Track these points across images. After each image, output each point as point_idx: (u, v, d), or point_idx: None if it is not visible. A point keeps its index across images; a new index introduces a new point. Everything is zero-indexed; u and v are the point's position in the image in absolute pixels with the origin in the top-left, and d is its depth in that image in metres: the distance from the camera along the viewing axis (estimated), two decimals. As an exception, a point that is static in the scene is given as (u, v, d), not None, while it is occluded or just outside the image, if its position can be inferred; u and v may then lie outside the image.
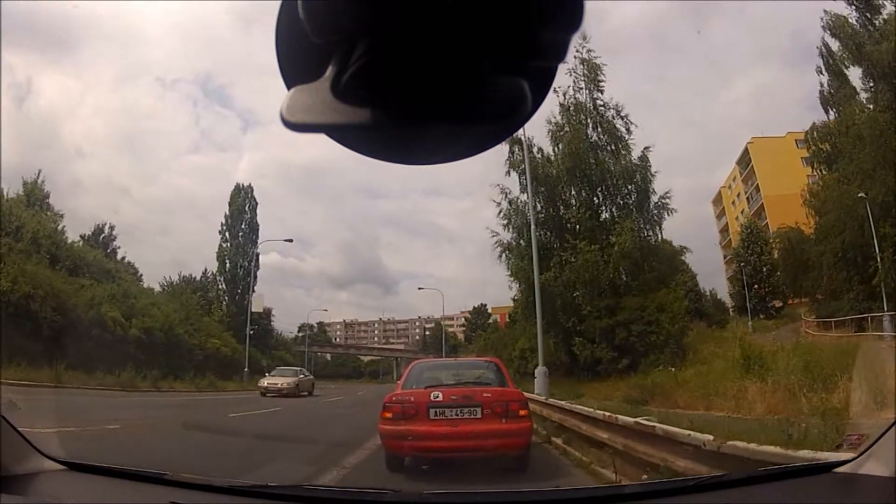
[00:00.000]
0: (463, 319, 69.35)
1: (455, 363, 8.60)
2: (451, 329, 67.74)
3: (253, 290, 39.27)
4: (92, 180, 65.23)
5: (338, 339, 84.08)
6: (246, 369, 30.14)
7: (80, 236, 31.86)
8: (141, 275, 37.04)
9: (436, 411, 5.27)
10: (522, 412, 5.45)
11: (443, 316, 49.45)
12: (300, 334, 63.23)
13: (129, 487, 1.83)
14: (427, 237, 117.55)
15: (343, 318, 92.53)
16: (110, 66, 77.99)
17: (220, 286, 40.89)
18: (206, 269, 41.88)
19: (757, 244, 39.92)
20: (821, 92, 27.58)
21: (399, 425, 5.30)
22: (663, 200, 24.02)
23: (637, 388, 14.51)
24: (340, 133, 0.53)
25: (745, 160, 49.45)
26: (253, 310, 35.51)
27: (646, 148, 24.13)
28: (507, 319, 45.96)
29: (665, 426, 4.50)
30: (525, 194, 22.97)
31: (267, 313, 44.48)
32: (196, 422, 10.25)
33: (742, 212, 50.15)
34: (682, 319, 22.08)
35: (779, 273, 36.47)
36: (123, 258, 36.09)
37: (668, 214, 24.07)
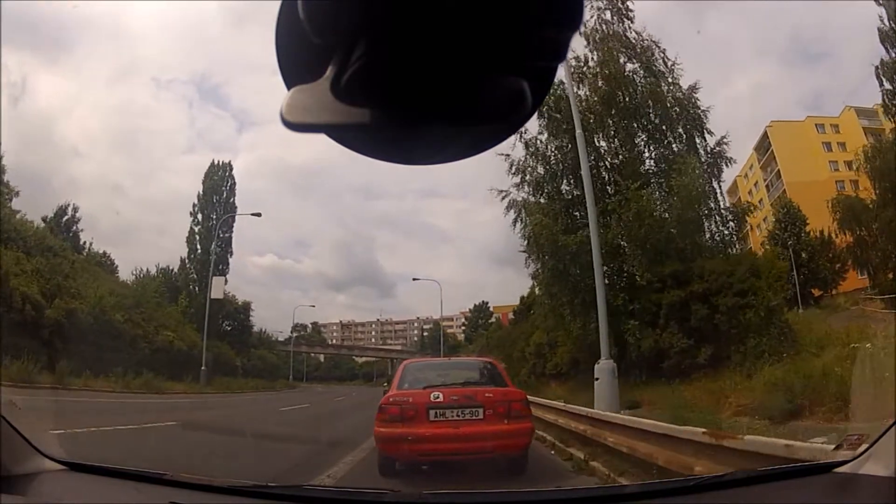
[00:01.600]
0: (463, 319, 67.67)
1: (450, 362, 8.32)
2: (450, 330, 65.98)
3: (222, 277, 34.17)
4: (88, 180, 65.27)
5: (334, 341, 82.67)
6: (203, 368, 25.59)
7: (42, 219, 28.76)
8: (116, 266, 34.61)
9: (436, 412, 5.12)
10: (524, 412, 5.39)
11: (441, 317, 48.30)
12: (293, 335, 61.66)
13: (129, 487, 1.83)
14: (424, 238, 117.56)
15: (340, 319, 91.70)
16: (105, 65, 78.16)
17: (190, 274, 36.11)
18: (181, 258, 37.34)
19: (794, 225, 35.66)
20: (880, 30, 25.53)
21: (397, 427, 5.11)
22: (721, 147, 17.75)
23: (781, 391, 8.20)
24: (340, 133, 0.53)
25: (763, 145, 46.63)
26: (213, 296, 30.50)
27: (692, 85, 18.13)
28: (512, 315, 43.49)
29: None
30: (545, 134, 18.01)
31: (245, 307, 40.74)
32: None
33: (760, 201, 47.52)
34: (784, 289, 15.63)
35: (843, 250, 32.73)
36: (86, 243, 32.57)
37: (728, 165, 18.24)
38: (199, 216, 37.14)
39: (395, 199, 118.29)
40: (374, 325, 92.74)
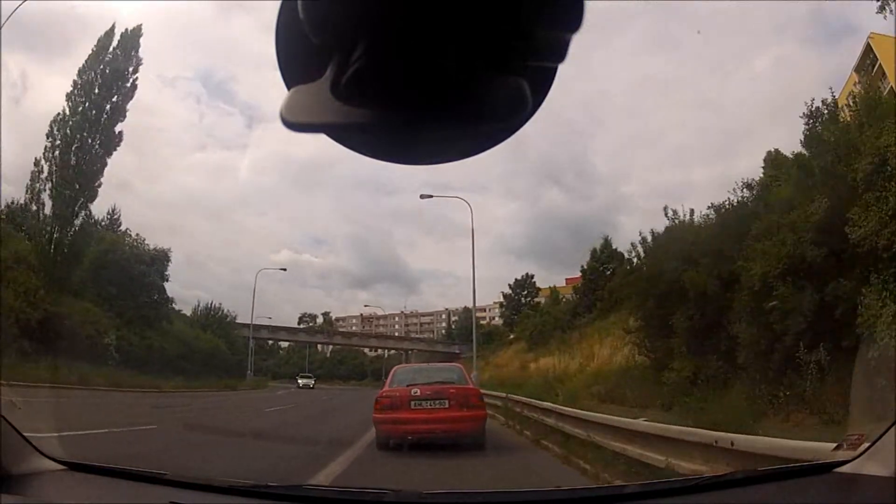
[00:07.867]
0: (501, 301, 51.22)
1: (428, 367, 10.79)
2: (483, 322, 52.46)
3: (99, 184, 20.81)
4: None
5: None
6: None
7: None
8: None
9: (415, 403, 6.92)
10: (478, 403, 7.17)
11: (473, 286, 36.68)
12: (300, 325, 56.63)
13: (128, 487, 1.83)
14: (441, 233, 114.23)
15: (360, 311, 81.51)
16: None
17: (41, 184, 22.10)
18: (35, 158, 22.39)
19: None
20: None
21: (388, 413, 6.96)
22: None
23: None
24: (340, 133, 0.53)
25: (866, 63, 37.06)
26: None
27: None
28: (582, 281, 32.17)
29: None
30: None
31: (157, 257, 26.67)
32: None
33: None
34: None
35: None
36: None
37: None
38: (77, 97, 23.50)
39: (409, 194, 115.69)
40: (397, 318, 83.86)
